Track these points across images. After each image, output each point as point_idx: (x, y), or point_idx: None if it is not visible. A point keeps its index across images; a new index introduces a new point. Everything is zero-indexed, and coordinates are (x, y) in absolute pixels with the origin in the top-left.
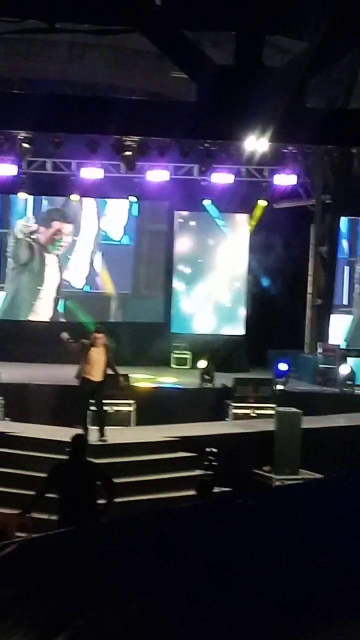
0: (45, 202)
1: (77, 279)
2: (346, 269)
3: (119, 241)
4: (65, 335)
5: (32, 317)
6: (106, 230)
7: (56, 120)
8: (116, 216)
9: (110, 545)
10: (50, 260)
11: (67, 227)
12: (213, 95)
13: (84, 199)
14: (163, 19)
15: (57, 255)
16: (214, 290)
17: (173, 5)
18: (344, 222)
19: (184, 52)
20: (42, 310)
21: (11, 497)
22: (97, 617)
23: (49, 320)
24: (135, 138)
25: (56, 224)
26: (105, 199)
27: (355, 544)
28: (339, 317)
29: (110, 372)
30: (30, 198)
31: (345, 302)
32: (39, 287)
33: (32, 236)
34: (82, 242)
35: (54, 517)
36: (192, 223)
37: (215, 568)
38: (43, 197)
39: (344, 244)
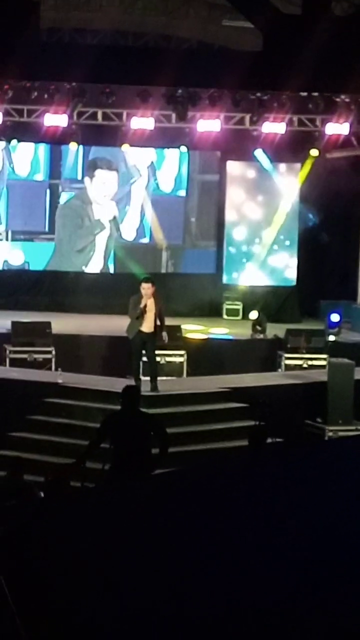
0: (93, 152)
1: (128, 231)
2: None
3: (171, 192)
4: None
5: (82, 269)
6: (158, 181)
7: (107, 71)
8: (167, 167)
9: (166, 498)
10: (99, 211)
11: (112, 176)
12: (279, 45)
13: (135, 149)
14: None
15: (106, 206)
16: (266, 240)
17: None
18: None
19: (251, 1)
20: (93, 262)
21: (65, 447)
22: (149, 567)
23: (99, 271)
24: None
25: (99, 172)
26: (157, 150)
27: None
28: None
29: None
30: (81, 148)
31: None
32: (88, 239)
33: (79, 189)
34: (133, 193)
35: (107, 467)
36: (244, 173)
37: (270, 518)
38: (92, 147)
39: None
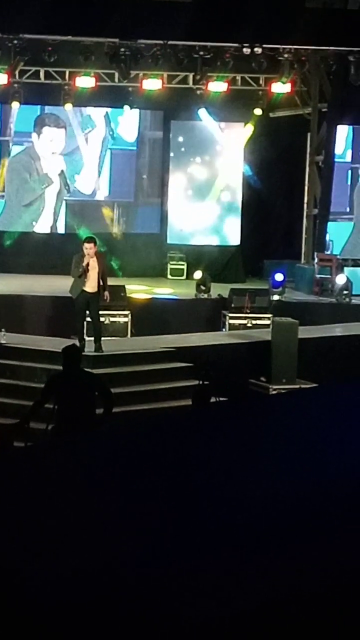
0: (45, 109)
1: (85, 185)
2: (349, 175)
3: (127, 145)
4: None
5: (33, 224)
6: (114, 132)
7: (52, 24)
8: (124, 119)
9: (108, 453)
10: (46, 165)
11: (60, 133)
12: None
13: (93, 107)
14: None
15: (53, 161)
16: (209, 200)
17: None
18: (348, 130)
19: None
20: (42, 220)
21: (9, 408)
22: (94, 524)
23: (49, 231)
24: (129, 43)
25: (46, 130)
26: (110, 108)
27: (348, 447)
28: (340, 225)
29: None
30: (33, 107)
31: (347, 209)
32: (36, 192)
33: (28, 143)
34: (89, 145)
35: (51, 427)
36: (188, 132)
37: (215, 473)
38: (45, 106)
39: (348, 152)
